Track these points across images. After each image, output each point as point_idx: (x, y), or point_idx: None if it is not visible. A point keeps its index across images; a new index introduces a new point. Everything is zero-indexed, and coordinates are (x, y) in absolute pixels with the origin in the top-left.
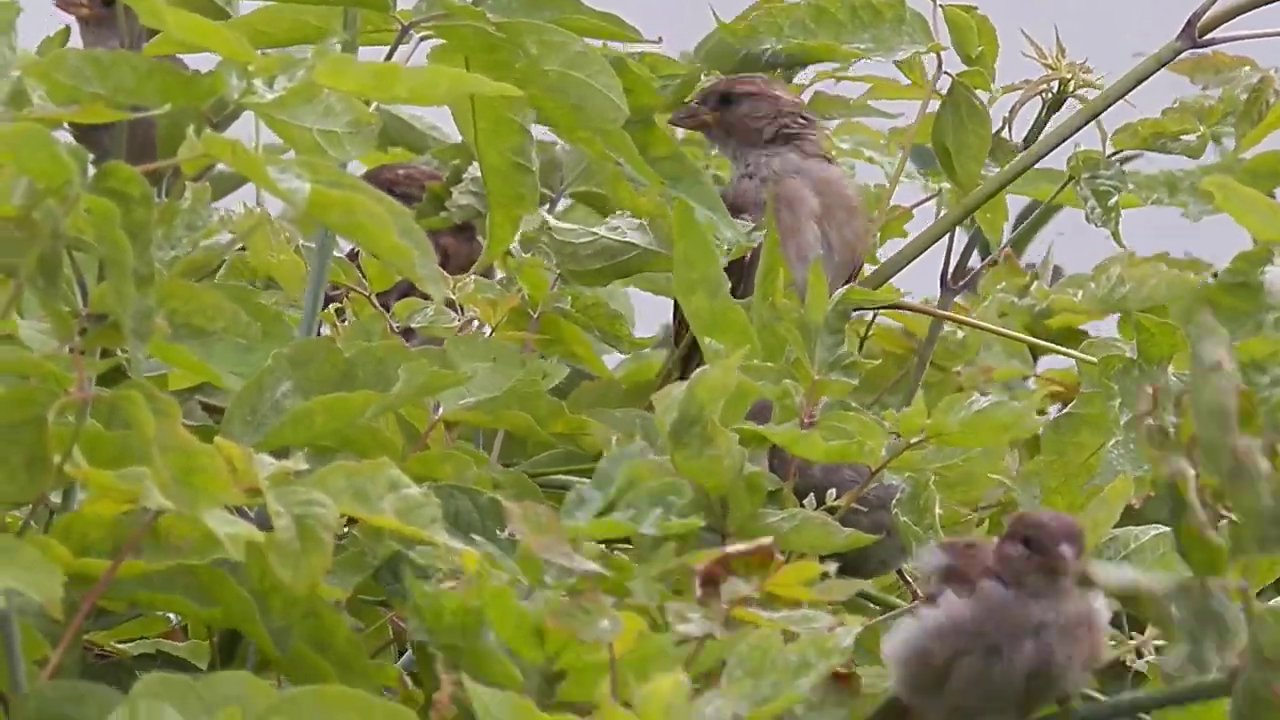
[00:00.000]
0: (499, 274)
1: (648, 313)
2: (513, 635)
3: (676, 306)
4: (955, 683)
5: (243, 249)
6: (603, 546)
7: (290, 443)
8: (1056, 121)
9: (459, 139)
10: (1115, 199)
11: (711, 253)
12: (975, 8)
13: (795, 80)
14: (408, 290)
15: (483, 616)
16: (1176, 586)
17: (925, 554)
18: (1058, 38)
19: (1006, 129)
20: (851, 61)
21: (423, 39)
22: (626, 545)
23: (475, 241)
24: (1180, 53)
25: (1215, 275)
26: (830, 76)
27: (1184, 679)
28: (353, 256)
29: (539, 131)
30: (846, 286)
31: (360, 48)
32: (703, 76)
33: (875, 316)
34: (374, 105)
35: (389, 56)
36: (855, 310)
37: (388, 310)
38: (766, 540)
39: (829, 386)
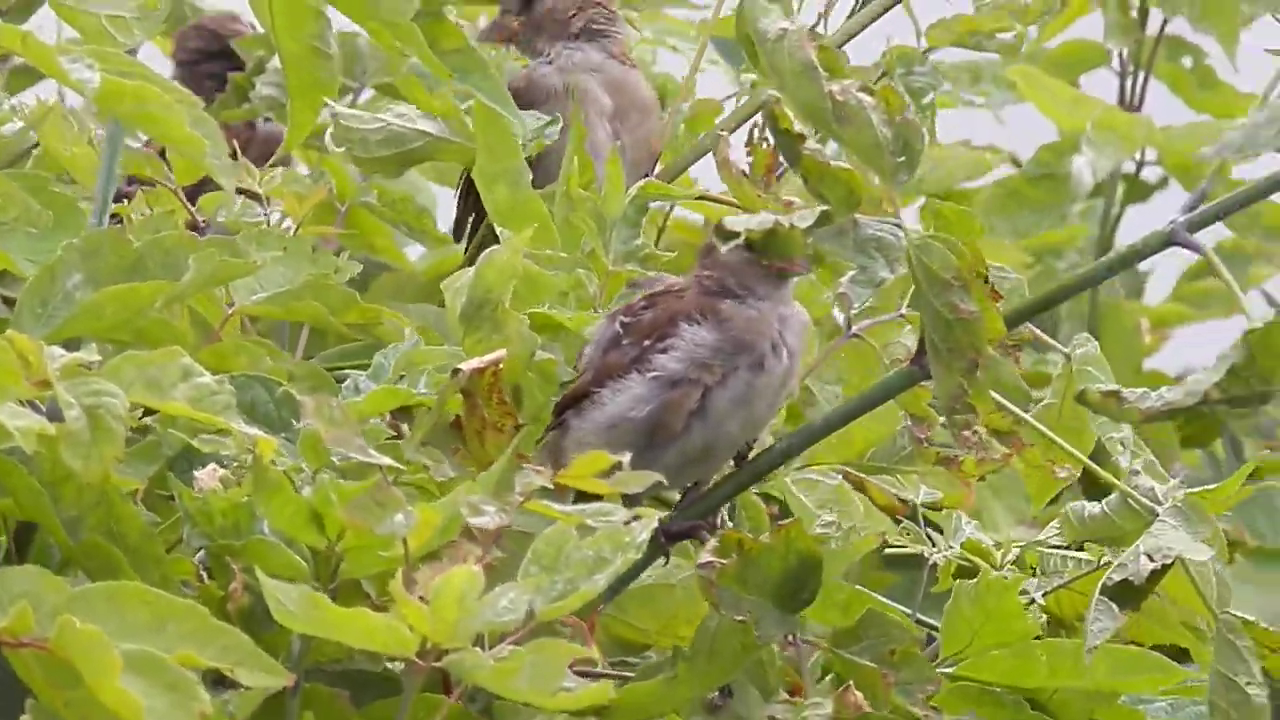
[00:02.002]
0: (302, 166)
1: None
2: (289, 524)
3: (462, 198)
4: (711, 417)
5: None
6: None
7: (82, 334)
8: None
9: (259, 27)
10: (931, 96)
11: (514, 144)
12: None
13: None
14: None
15: (254, 511)
16: (831, 229)
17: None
18: None
19: (821, 24)
20: None
21: None
22: None
23: (270, 127)
24: None
25: (1016, 163)
26: None
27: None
28: (163, 150)
29: (343, 23)
30: (644, 180)
31: None
32: None
33: (672, 209)
34: None
35: None
36: (654, 202)
37: (194, 204)
38: (499, 352)
39: (624, 277)
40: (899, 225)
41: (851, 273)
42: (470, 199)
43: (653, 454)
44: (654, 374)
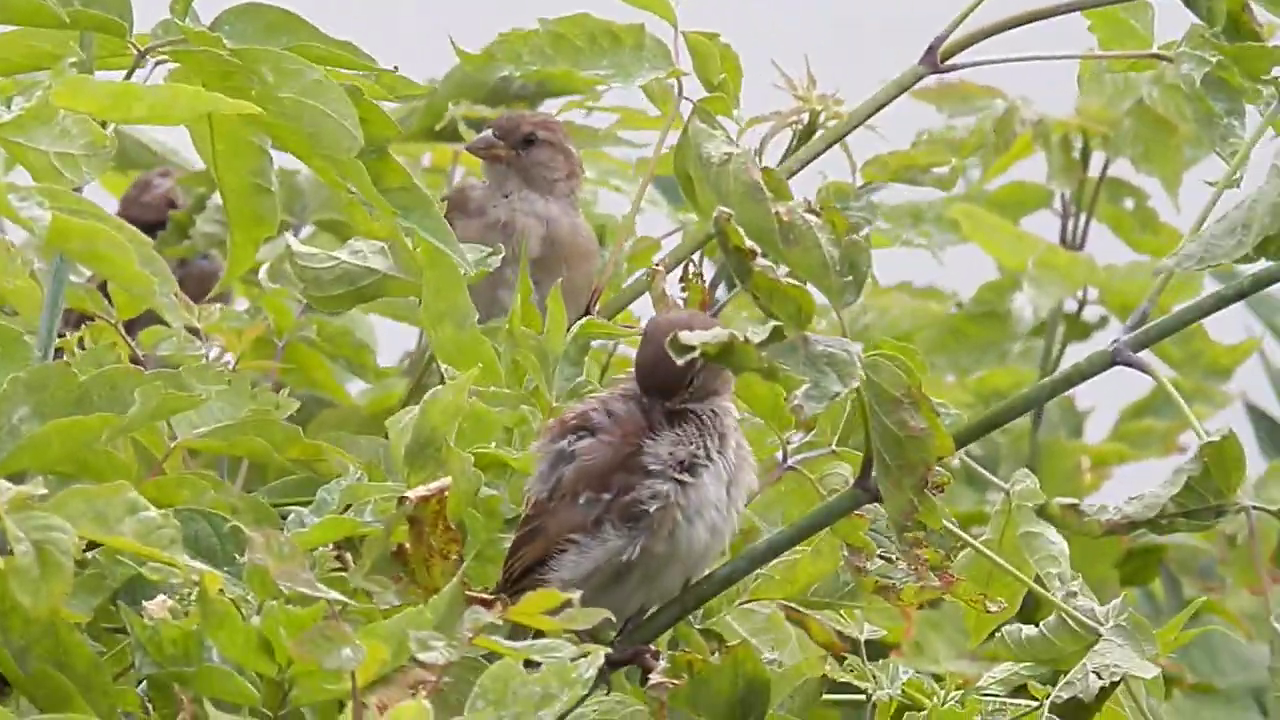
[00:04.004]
0: (244, 302)
1: (392, 341)
2: (239, 652)
3: None
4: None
5: None
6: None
7: (28, 467)
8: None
9: (199, 163)
10: (866, 231)
11: (460, 283)
12: (718, 35)
13: (540, 109)
14: (155, 318)
15: (205, 639)
16: (782, 345)
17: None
18: (808, 69)
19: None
20: (600, 93)
21: (158, 64)
22: None
23: (212, 263)
24: (922, 78)
25: (959, 305)
26: (580, 106)
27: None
28: (103, 285)
29: (283, 159)
30: (584, 318)
31: (96, 73)
32: (451, 106)
33: (616, 346)
34: (111, 128)
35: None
36: (597, 340)
37: (133, 337)
38: (445, 480)
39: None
40: (849, 343)
41: (805, 386)
42: None
43: (619, 588)
44: (635, 524)
